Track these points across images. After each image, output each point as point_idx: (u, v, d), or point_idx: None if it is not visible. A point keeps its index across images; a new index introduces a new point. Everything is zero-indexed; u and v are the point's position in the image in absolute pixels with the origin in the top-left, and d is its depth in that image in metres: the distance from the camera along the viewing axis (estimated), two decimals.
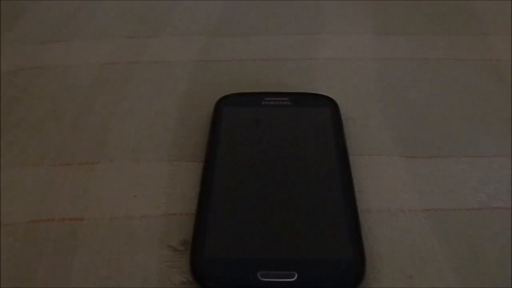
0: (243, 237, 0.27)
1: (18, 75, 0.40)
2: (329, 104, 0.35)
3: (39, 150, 0.33)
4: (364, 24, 0.46)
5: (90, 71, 0.40)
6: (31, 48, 0.43)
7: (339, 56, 0.42)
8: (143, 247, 0.28)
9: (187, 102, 0.37)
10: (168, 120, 0.36)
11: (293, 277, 0.25)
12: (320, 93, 0.37)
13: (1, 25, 0.46)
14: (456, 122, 0.35)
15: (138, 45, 0.43)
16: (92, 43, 0.44)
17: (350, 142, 0.33)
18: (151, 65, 0.41)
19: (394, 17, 0.46)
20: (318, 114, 0.34)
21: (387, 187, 0.31)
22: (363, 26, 0.45)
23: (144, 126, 0.35)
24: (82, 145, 0.34)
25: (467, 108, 0.36)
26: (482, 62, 0.41)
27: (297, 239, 0.27)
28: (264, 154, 0.31)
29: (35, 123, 0.35)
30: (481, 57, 0.41)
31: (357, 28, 0.45)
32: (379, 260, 0.27)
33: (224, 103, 0.35)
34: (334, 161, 0.31)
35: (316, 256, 0.26)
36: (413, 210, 0.29)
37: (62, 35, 0.45)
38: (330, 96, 0.36)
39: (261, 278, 0.25)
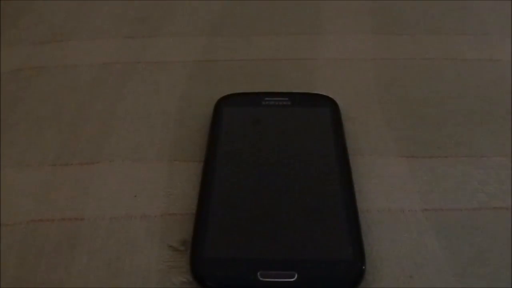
0: (243, 237, 0.27)
1: (18, 75, 0.40)
2: (329, 104, 0.35)
3: (39, 150, 0.33)
4: (364, 24, 0.46)
5: (90, 71, 0.40)
6: (31, 48, 0.43)
7: (339, 56, 0.42)
8: (143, 247, 0.28)
9: (187, 102, 0.37)
10: (168, 120, 0.36)
11: (293, 277, 0.25)
12: (320, 93, 0.37)
13: (1, 25, 0.46)
14: (456, 122, 0.35)
15: (138, 45, 0.43)
16: (92, 43, 0.44)
17: (350, 142, 0.33)
18: (151, 65, 0.41)
19: (394, 17, 0.46)
20: (318, 114, 0.34)
21: (387, 187, 0.31)
22: (363, 26, 0.45)
23: (144, 126, 0.35)
24: (82, 145, 0.34)
25: (467, 108, 0.36)
26: (482, 62, 0.41)
27: (297, 239, 0.27)
28: (264, 154, 0.31)
29: (35, 123, 0.35)
30: (481, 57, 0.41)
31: (357, 28, 0.45)
32: (379, 260, 0.27)
33: (224, 103, 0.35)
34: (334, 161, 0.31)
35: (316, 256, 0.26)
36: (413, 210, 0.29)
37: (62, 35, 0.45)
38: (330, 96, 0.36)
39: (261, 278, 0.25)
